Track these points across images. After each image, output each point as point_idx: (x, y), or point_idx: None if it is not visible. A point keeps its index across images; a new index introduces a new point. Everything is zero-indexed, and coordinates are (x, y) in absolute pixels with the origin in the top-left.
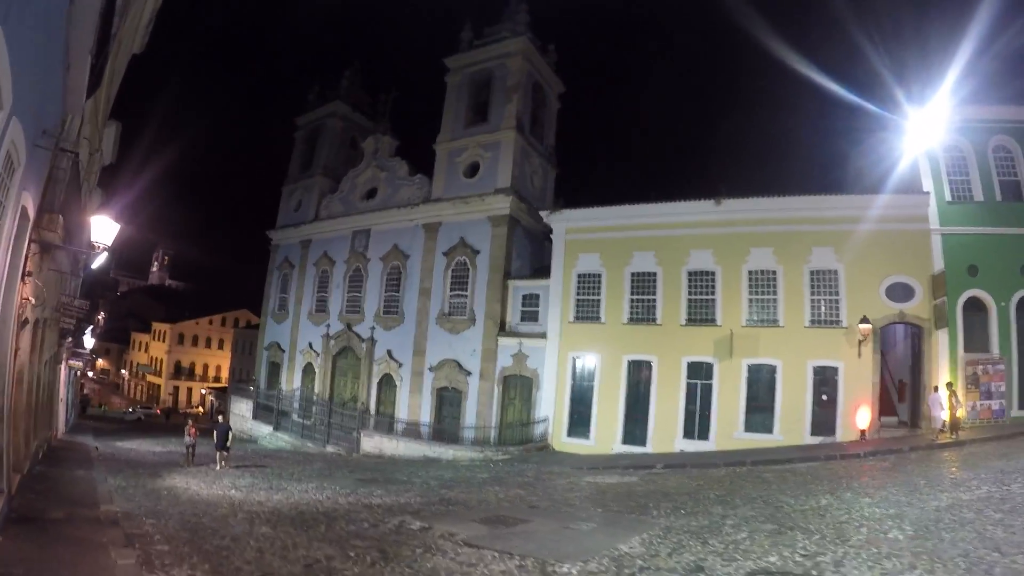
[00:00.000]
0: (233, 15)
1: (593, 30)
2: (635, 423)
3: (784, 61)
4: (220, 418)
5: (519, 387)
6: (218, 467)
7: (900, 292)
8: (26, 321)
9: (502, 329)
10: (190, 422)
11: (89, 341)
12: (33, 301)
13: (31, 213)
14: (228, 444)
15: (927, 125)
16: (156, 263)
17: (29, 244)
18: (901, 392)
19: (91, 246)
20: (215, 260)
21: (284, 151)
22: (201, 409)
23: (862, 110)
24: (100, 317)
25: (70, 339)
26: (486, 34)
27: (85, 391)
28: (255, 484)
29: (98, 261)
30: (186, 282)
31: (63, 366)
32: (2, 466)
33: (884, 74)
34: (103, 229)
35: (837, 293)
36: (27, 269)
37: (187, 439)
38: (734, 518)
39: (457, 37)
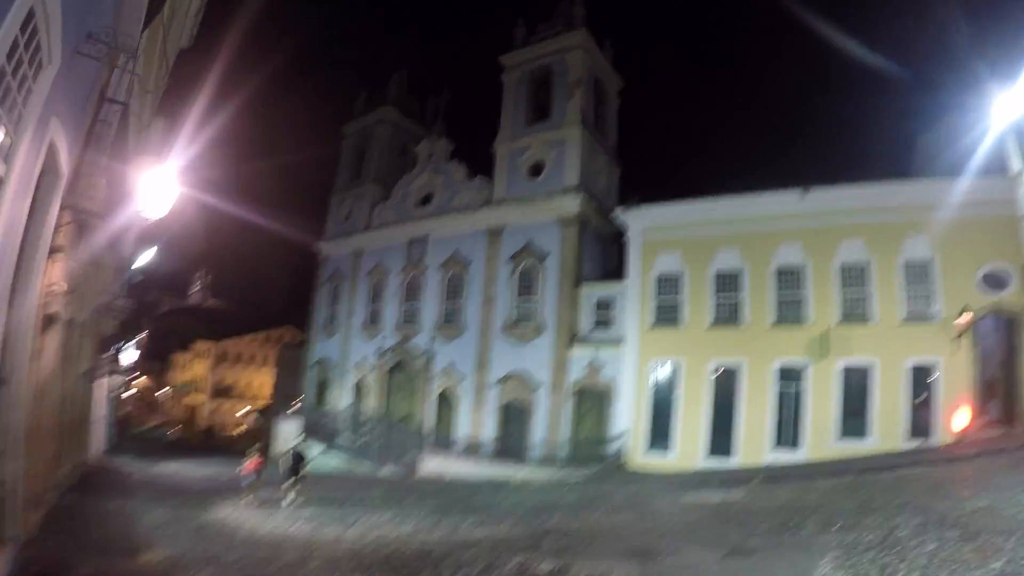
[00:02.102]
0: (266, 24)
1: (647, 23)
2: (721, 434)
3: (856, 42)
4: (299, 440)
5: (593, 400)
6: (288, 501)
7: (995, 281)
8: (53, 318)
9: (574, 338)
10: (255, 450)
11: (132, 355)
12: (63, 288)
13: (63, 163)
14: (302, 473)
15: (1012, 102)
16: (198, 282)
17: (61, 210)
18: (991, 389)
19: (141, 219)
20: (257, 277)
21: (328, 162)
22: (243, 428)
23: (936, 91)
24: (143, 335)
25: (111, 351)
26: (539, 31)
27: (126, 410)
28: (319, 515)
29: (145, 258)
30: (228, 300)
31: (101, 382)
32: (9, 507)
33: (961, 53)
34: (159, 192)
35: (932, 285)
36: (56, 243)
37: (247, 472)
38: (903, 528)
39: (509, 35)
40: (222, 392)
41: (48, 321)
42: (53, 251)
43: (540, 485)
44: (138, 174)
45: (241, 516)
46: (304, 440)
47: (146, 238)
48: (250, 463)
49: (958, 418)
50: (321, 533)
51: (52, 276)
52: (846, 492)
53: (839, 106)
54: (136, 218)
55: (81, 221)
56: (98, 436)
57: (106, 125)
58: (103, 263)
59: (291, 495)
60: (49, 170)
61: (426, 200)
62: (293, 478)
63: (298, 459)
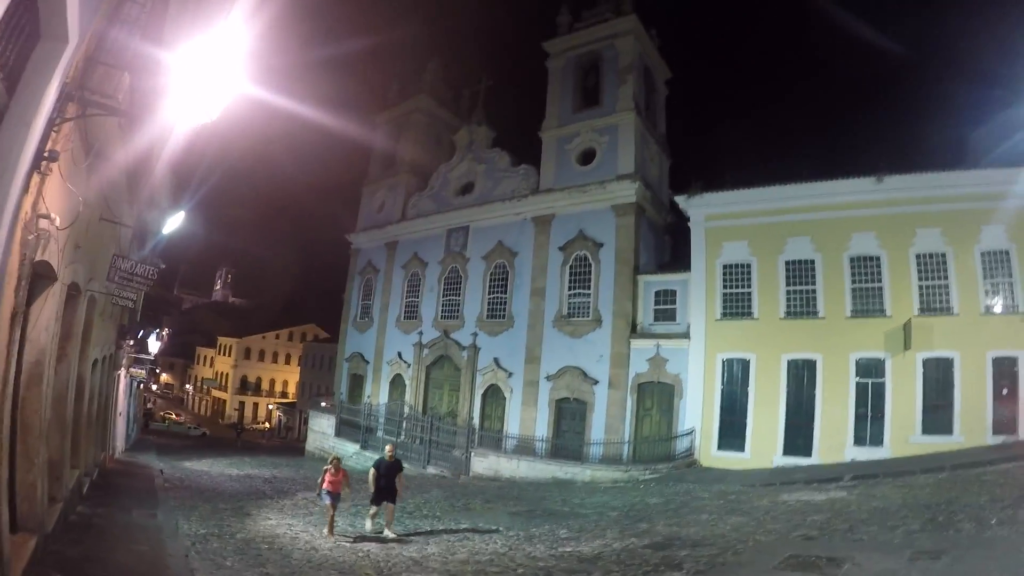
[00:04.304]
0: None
1: (689, 14)
2: (797, 431)
3: (916, 30)
4: (388, 449)
5: (656, 395)
6: (386, 531)
7: None
8: (46, 272)
9: (634, 330)
10: (331, 465)
11: (154, 345)
12: (58, 223)
13: (71, 24)
14: (398, 492)
15: None
16: (219, 281)
17: (61, 97)
18: None
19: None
20: (281, 275)
21: (356, 153)
22: (267, 425)
23: (987, 87)
24: (164, 332)
25: (131, 340)
26: (584, 17)
27: (148, 404)
28: (384, 526)
29: (174, 223)
30: (250, 299)
31: (123, 373)
32: None
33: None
34: (208, 88)
35: (1011, 276)
36: (48, 146)
37: (325, 495)
38: None
39: (550, 22)
40: (247, 388)
41: (38, 274)
42: (45, 158)
43: (610, 485)
44: (179, 66)
45: (291, 526)
46: (393, 449)
47: (177, 183)
48: (327, 479)
49: None
50: (396, 552)
51: (43, 201)
52: (959, 488)
53: (879, 100)
54: (165, 137)
55: (90, 132)
56: (120, 432)
57: (137, 5)
58: (120, 212)
59: (389, 525)
60: (49, 28)
61: (466, 189)
62: (385, 501)
63: (392, 475)
